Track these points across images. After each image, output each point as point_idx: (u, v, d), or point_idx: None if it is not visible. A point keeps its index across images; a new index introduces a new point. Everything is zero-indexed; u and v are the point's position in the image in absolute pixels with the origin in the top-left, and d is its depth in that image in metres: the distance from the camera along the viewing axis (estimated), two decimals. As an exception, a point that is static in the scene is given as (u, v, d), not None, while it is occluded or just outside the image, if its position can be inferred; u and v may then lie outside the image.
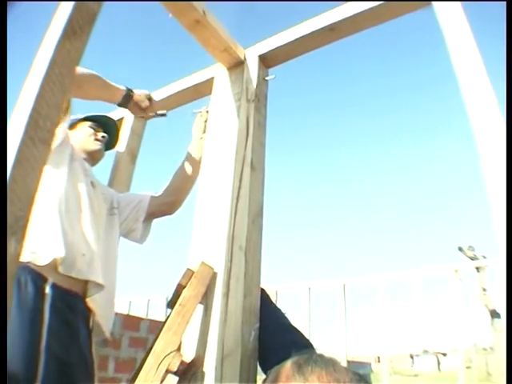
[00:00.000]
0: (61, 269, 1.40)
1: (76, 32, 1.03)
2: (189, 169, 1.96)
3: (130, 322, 3.77)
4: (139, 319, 3.97)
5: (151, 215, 1.93)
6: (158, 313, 8.78)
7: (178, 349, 1.19)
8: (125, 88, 1.84)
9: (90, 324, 1.57)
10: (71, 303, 1.45)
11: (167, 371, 1.11)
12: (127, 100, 1.85)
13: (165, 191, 1.97)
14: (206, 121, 1.95)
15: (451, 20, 1.36)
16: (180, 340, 1.20)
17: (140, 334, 3.84)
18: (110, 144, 2.03)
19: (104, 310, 1.61)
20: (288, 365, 0.95)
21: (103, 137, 1.94)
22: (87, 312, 1.55)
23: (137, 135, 2.19)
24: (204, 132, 1.93)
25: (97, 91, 1.76)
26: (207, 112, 1.95)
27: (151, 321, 4.07)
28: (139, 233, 1.89)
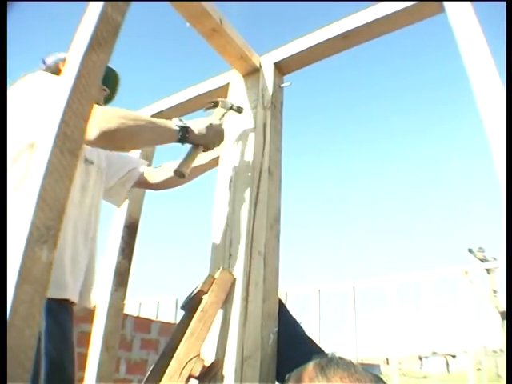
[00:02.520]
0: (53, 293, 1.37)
1: (101, 44, 1.06)
2: (198, 169, 1.90)
3: (141, 324, 3.81)
4: (150, 321, 4.02)
5: (138, 185, 1.89)
6: (167, 314, 8.82)
7: (200, 354, 1.21)
8: (177, 127, 1.51)
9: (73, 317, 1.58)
10: (62, 303, 1.46)
11: (190, 376, 1.14)
12: (184, 137, 1.53)
13: (162, 171, 1.91)
14: None
15: (463, 23, 1.37)
16: (202, 345, 1.22)
17: (151, 335, 3.89)
18: (108, 97, 1.89)
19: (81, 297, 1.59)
20: (310, 367, 0.98)
21: (104, 90, 1.79)
22: (71, 307, 1.55)
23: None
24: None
25: (148, 141, 1.62)
26: None
27: (162, 323, 4.12)
28: (121, 198, 1.87)
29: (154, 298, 9.41)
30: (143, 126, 1.40)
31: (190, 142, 1.55)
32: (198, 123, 1.57)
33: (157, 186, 1.94)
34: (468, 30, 1.36)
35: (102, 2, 1.11)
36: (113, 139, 1.35)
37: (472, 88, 1.28)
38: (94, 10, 1.10)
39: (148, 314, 8.84)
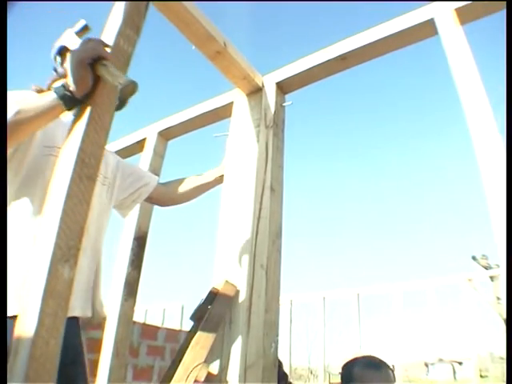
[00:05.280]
0: None
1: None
2: (204, 186, 1.96)
3: (147, 331, 3.87)
4: (156, 328, 4.08)
5: (147, 200, 1.90)
6: (173, 321, 8.87)
7: (205, 361, 1.30)
8: (55, 95, 1.14)
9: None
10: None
11: (195, 381, 1.23)
12: (67, 97, 1.12)
13: (171, 187, 1.94)
14: None
15: (454, 46, 1.46)
16: (207, 353, 1.31)
17: (157, 342, 3.95)
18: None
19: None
20: None
21: None
22: (77, 320, 1.50)
23: (159, 156, 2.30)
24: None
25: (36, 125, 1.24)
26: None
27: (168, 329, 4.18)
28: (130, 211, 1.88)
29: (159, 305, 9.47)
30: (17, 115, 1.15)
31: (82, 91, 1.12)
32: (68, 70, 1.15)
33: (164, 203, 1.99)
34: (459, 53, 1.44)
35: (115, 35, 1.20)
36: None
37: (462, 104, 1.38)
38: (107, 43, 1.19)
39: (154, 320, 8.90)
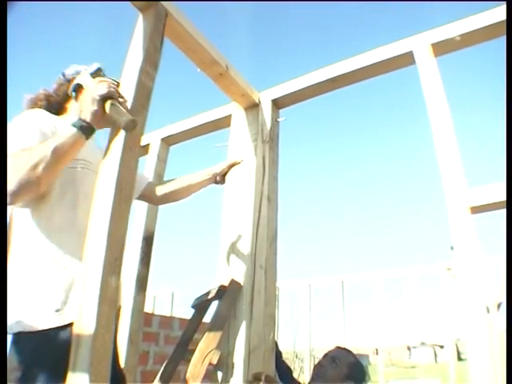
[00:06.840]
0: None
1: (139, 111, 1.34)
2: (197, 185, 2.00)
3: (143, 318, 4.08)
4: (151, 315, 4.29)
5: (140, 198, 1.94)
6: (163, 308, 9.03)
7: (217, 346, 1.55)
8: (74, 127, 1.31)
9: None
10: None
11: (209, 364, 1.48)
12: (84, 127, 1.32)
13: (163, 186, 1.98)
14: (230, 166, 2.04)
15: (428, 74, 1.70)
16: (218, 340, 1.56)
17: (152, 329, 4.16)
18: None
19: None
20: None
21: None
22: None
23: (162, 161, 2.51)
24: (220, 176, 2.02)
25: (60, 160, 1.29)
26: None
27: (161, 316, 4.40)
28: None
29: (150, 292, 9.60)
30: (44, 155, 1.25)
31: (96, 123, 1.34)
32: (82, 105, 1.38)
33: (155, 201, 2.07)
34: (431, 81, 1.67)
35: (137, 72, 1.39)
36: (30, 190, 1.26)
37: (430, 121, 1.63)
38: (130, 80, 1.39)
39: (145, 308, 9.03)
